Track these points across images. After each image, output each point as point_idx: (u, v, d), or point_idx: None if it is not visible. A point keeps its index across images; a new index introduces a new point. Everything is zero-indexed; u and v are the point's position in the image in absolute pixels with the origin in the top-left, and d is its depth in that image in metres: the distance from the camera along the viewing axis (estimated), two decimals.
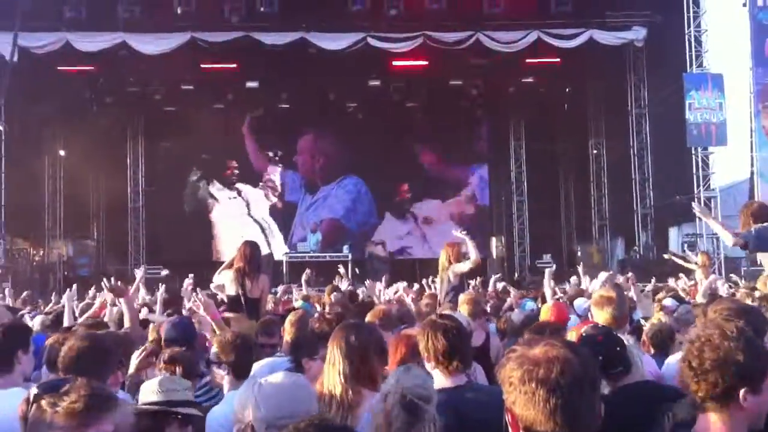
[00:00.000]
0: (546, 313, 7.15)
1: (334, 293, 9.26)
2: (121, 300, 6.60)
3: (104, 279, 7.02)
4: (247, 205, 27.34)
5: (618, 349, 3.83)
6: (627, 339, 4.93)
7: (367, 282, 11.71)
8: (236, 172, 27.21)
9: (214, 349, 4.75)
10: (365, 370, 3.57)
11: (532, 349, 2.05)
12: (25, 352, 4.14)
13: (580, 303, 9.27)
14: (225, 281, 7.94)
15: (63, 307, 9.93)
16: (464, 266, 8.71)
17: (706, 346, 2.41)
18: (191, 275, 12.03)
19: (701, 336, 2.44)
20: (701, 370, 2.39)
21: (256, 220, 26.98)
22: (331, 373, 3.56)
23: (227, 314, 7.58)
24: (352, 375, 3.53)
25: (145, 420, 3.42)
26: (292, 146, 27.10)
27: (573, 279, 13.74)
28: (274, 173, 27.30)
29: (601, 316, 4.80)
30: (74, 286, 9.51)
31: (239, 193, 27.30)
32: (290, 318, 5.76)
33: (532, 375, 1.99)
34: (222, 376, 4.48)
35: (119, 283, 6.98)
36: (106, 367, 3.62)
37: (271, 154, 27.05)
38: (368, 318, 6.34)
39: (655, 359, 5.30)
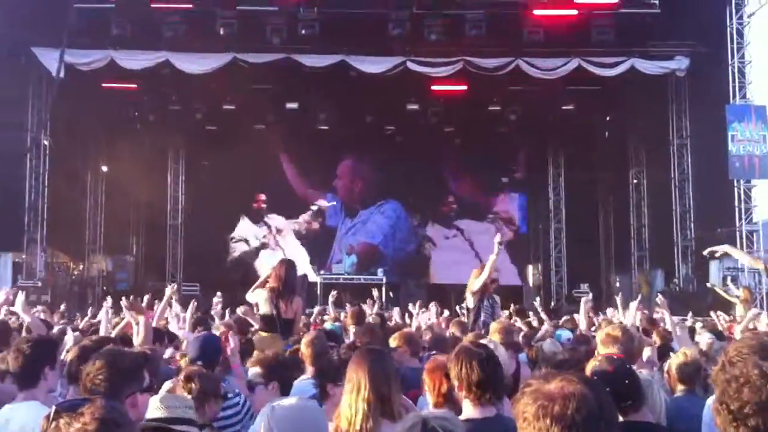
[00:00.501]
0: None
1: (358, 317, 9.16)
2: (140, 318, 6.60)
3: (123, 298, 7.04)
4: (279, 230, 27.56)
5: (627, 382, 3.72)
6: (653, 375, 4.82)
7: (395, 309, 11.56)
8: (264, 205, 27.57)
9: (252, 371, 4.72)
10: (388, 400, 3.49)
11: (547, 384, 2.00)
12: (51, 367, 4.15)
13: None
14: (259, 300, 7.91)
15: (99, 321, 10.08)
16: (476, 284, 8.56)
17: (745, 387, 2.20)
18: (219, 293, 12.07)
19: (739, 376, 2.24)
20: (741, 414, 2.17)
21: (293, 244, 27.15)
22: (354, 401, 3.46)
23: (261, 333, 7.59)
24: (376, 404, 3.45)
25: None
26: (331, 169, 27.30)
27: (609, 311, 13.52)
28: (314, 197, 27.51)
29: (607, 353, 4.69)
30: (108, 298, 9.62)
31: (269, 227, 27.55)
32: (305, 340, 5.71)
33: (547, 411, 1.92)
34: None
35: (139, 300, 7.01)
36: (121, 386, 3.55)
37: (310, 179, 27.35)
38: (393, 342, 6.30)
39: (683, 396, 5.11)
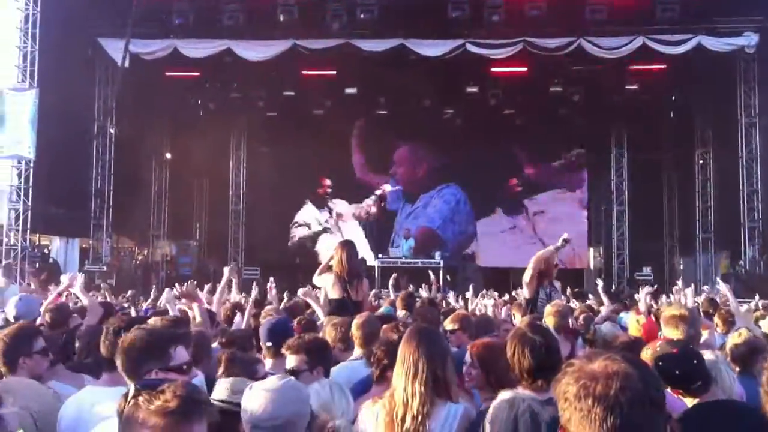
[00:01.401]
0: (635, 329, 6.91)
1: (407, 302, 9.09)
2: (194, 305, 6.67)
3: (175, 286, 7.12)
4: (339, 215, 27.73)
5: (695, 362, 3.66)
6: (716, 355, 4.71)
7: (450, 293, 11.40)
8: (329, 190, 27.73)
9: (291, 357, 4.72)
10: (444, 381, 3.45)
11: (590, 364, 1.92)
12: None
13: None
14: (326, 284, 7.92)
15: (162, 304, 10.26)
16: (526, 276, 8.41)
17: None
18: (272, 279, 12.17)
19: None
20: None
21: (353, 228, 27.29)
22: (409, 383, 3.40)
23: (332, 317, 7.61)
24: (433, 386, 3.41)
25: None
26: (390, 154, 27.33)
27: (664, 298, 13.25)
28: (376, 182, 27.62)
29: (675, 334, 4.60)
30: (176, 287, 9.77)
31: (330, 211, 27.74)
32: (356, 321, 5.69)
33: (589, 391, 1.86)
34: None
35: (194, 283, 7.08)
36: (141, 362, 3.51)
37: (371, 164, 27.47)
38: (449, 325, 6.27)
39: (739, 379, 5.00)
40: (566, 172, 27.24)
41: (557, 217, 26.39)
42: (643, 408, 1.84)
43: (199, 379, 3.99)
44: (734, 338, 5.37)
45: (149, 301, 12.37)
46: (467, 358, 4.15)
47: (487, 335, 5.93)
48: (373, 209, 27.66)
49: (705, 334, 6.41)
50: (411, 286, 14.68)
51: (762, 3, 18.64)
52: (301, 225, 27.99)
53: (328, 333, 5.73)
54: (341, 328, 5.74)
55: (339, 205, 27.90)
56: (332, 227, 27.72)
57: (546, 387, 3.59)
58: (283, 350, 4.54)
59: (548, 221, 26.44)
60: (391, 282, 12.43)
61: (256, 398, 3.05)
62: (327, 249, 25.99)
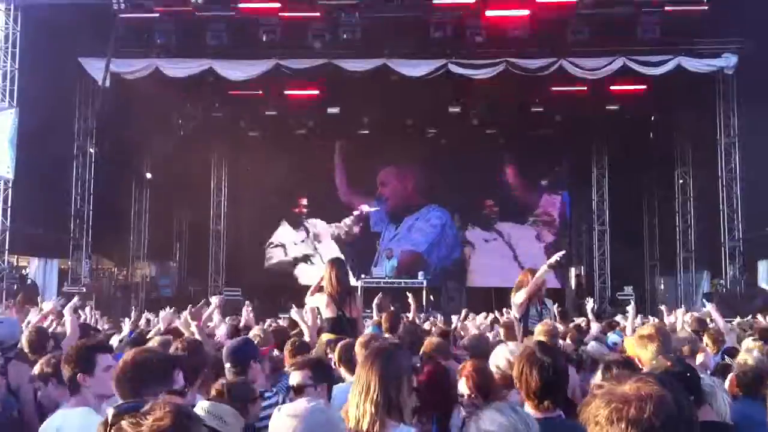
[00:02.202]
0: (631, 349, 6.88)
1: (392, 322, 9.04)
2: (193, 324, 6.61)
3: (189, 307, 7.04)
4: (317, 235, 27.63)
5: (689, 375, 3.63)
6: (713, 380, 4.68)
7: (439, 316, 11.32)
8: (305, 210, 27.68)
9: (296, 373, 4.67)
10: (397, 402, 3.37)
11: (621, 386, 1.87)
12: (88, 374, 4.09)
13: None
14: (320, 305, 7.87)
15: (147, 325, 10.11)
16: (518, 298, 8.41)
17: None
18: (247, 302, 12.08)
19: None
20: None
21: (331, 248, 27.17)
22: (362, 401, 3.35)
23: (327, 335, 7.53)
24: (384, 405, 3.33)
25: None
26: (373, 174, 27.32)
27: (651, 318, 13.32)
28: (358, 203, 27.57)
29: (645, 354, 4.57)
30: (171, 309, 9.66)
31: (307, 231, 27.62)
32: (360, 341, 5.65)
33: (622, 414, 1.80)
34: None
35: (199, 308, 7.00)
36: (144, 384, 3.53)
37: (352, 184, 27.50)
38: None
39: (743, 403, 4.93)
40: (543, 193, 27.35)
41: (532, 238, 26.59)
42: (677, 430, 1.80)
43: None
44: (741, 362, 5.37)
45: (131, 323, 12.18)
46: (463, 388, 4.09)
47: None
48: (355, 229, 27.58)
49: (701, 357, 6.40)
50: (392, 307, 14.58)
51: (741, 25, 18.84)
52: (276, 246, 27.82)
53: (332, 352, 5.68)
54: (343, 348, 5.69)
55: (315, 224, 27.77)
56: (309, 247, 27.55)
57: (552, 408, 3.55)
58: (288, 368, 4.49)
59: (527, 241, 26.57)
60: (375, 302, 12.34)
61: (283, 424, 2.97)
62: (306, 272, 25.98)
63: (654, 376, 1.94)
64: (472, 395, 4.05)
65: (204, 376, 4.89)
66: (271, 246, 27.83)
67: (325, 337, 7.34)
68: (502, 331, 8.78)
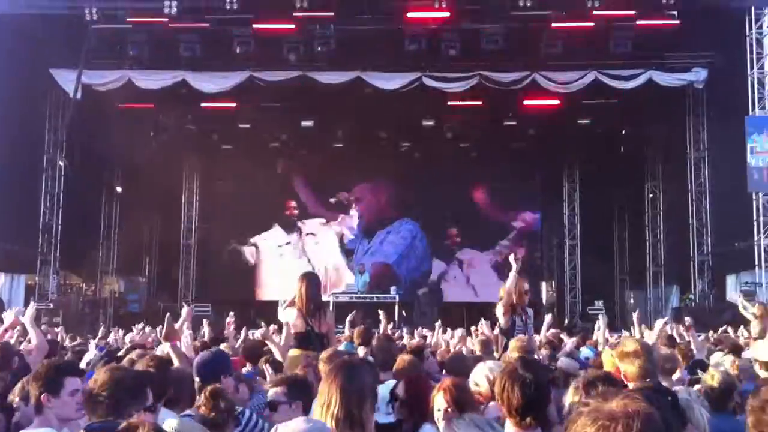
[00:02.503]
0: (609, 364, 6.88)
1: (364, 337, 8.98)
2: (167, 345, 6.47)
3: (168, 315, 6.87)
4: (312, 234, 27.54)
5: (670, 398, 3.62)
6: (689, 392, 4.69)
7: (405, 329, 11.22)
8: (296, 212, 27.52)
9: (272, 390, 4.62)
10: (358, 419, 3.31)
11: (607, 403, 1.84)
12: (54, 395, 3.98)
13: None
14: (290, 318, 7.78)
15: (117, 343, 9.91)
16: (500, 310, 8.32)
17: None
18: (231, 313, 11.92)
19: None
20: None
21: (310, 262, 26.98)
22: (323, 416, 3.30)
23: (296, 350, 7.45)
24: (345, 420, 3.28)
25: None
26: (346, 188, 27.26)
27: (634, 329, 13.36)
28: (332, 218, 27.49)
29: (631, 370, 4.57)
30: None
31: (300, 232, 27.47)
32: (323, 356, 5.65)
33: (609, 431, 1.77)
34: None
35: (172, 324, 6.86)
36: (125, 403, 3.48)
37: (330, 200, 27.42)
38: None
39: (718, 418, 4.88)
40: (516, 207, 27.52)
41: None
42: None
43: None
44: (707, 381, 5.41)
45: (97, 338, 11.97)
46: (440, 402, 4.05)
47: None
48: (339, 233, 27.59)
49: (678, 373, 6.43)
50: (363, 323, 14.52)
51: (711, 39, 19.18)
52: (251, 258, 27.57)
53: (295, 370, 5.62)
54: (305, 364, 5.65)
55: (310, 224, 27.60)
56: (298, 250, 27.32)
57: (534, 424, 3.51)
58: (265, 385, 4.44)
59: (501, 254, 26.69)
60: (349, 318, 12.23)
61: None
62: (275, 286, 25.75)
63: (641, 393, 1.95)
64: (449, 409, 4.00)
65: (175, 393, 4.84)
66: (246, 257, 27.55)
67: (294, 352, 7.27)
68: (478, 347, 8.72)
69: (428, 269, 27.26)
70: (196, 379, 5.07)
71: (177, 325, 7.85)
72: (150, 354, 6.01)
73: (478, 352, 8.33)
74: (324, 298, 21.48)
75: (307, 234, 27.59)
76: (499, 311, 8.27)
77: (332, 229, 27.61)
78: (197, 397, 4.72)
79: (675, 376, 6.21)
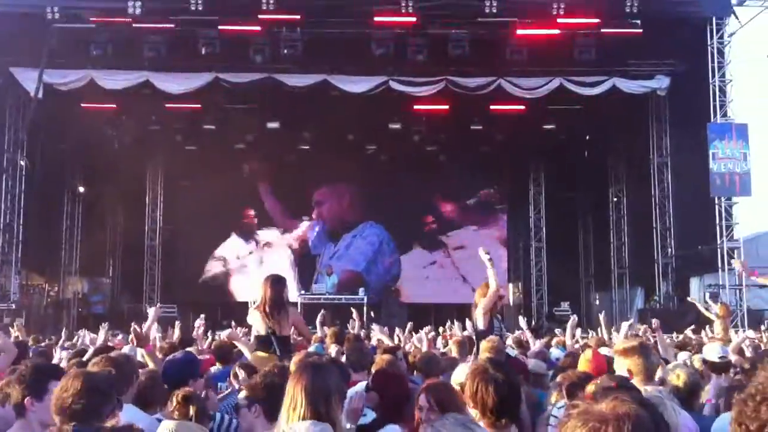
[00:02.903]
0: (584, 364, 6.93)
1: (338, 337, 8.99)
2: (142, 350, 6.41)
3: (133, 325, 6.81)
4: (268, 244, 27.42)
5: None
6: (661, 391, 4.73)
7: (375, 326, 11.12)
8: (255, 221, 27.40)
9: (242, 393, 4.60)
10: (327, 417, 3.34)
11: (597, 405, 1.84)
12: (37, 399, 3.91)
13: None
14: (254, 321, 7.76)
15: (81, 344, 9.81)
16: (485, 303, 8.31)
17: (763, 405, 2.00)
18: (202, 315, 11.82)
19: (755, 394, 2.04)
20: None
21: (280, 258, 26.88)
22: (291, 417, 3.33)
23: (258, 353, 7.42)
24: (312, 419, 3.31)
25: None
26: (312, 191, 27.17)
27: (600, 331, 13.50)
28: (296, 223, 27.40)
29: (626, 366, 4.59)
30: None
31: (257, 243, 27.34)
32: (295, 359, 5.54)
33: None
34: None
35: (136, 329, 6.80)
36: (100, 406, 3.48)
37: (291, 204, 27.35)
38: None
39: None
40: (482, 210, 27.60)
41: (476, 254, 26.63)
42: None
43: None
44: (674, 380, 5.46)
45: (62, 341, 11.83)
46: (422, 401, 4.05)
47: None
48: (295, 245, 27.42)
49: (659, 371, 6.49)
50: (334, 324, 14.49)
51: (673, 48, 19.40)
52: (217, 259, 27.40)
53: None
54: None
55: (268, 234, 27.48)
56: (254, 261, 27.20)
57: (508, 424, 3.51)
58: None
59: (469, 257, 26.66)
60: (318, 319, 12.22)
61: None
62: (244, 287, 25.60)
63: (631, 395, 1.93)
64: (431, 408, 3.99)
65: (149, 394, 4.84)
66: (213, 259, 27.37)
67: (255, 355, 7.26)
68: (454, 348, 8.72)
69: (397, 272, 27.25)
70: (165, 384, 5.06)
71: (144, 327, 7.80)
72: (104, 356, 5.98)
73: (454, 354, 8.32)
74: (293, 298, 21.72)
75: (264, 244, 27.47)
76: (479, 312, 8.24)
77: (287, 241, 27.51)
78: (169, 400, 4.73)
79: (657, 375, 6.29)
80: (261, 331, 7.57)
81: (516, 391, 3.64)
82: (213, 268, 27.36)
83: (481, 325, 8.04)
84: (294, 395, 3.36)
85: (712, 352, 6.77)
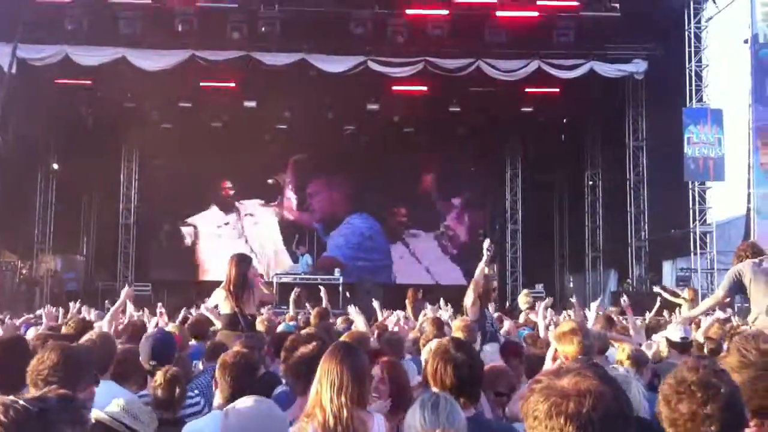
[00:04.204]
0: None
1: (322, 317, 9.04)
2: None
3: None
4: (241, 228, 27.34)
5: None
6: (627, 370, 4.81)
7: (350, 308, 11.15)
8: (231, 192, 27.20)
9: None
10: (365, 394, 3.49)
11: (559, 380, 1.86)
12: None
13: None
14: (219, 300, 7.79)
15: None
16: (469, 296, 8.34)
17: (683, 399, 2.21)
18: (160, 303, 11.65)
19: (680, 383, 2.24)
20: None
21: (248, 243, 26.79)
22: (336, 396, 3.40)
23: (225, 331, 7.45)
24: (357, 398, 3.43)
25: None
26: (285, 172, 27.09)
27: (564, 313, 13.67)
28: (271, 200, 27.36)
29: (570, 349, 4.65)
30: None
31: (238, 213, 27.25)
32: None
33: (561, 409, 1.79)
34: None
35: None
36: (77, 379, 3.53)
37: (268, 181, 27.30)
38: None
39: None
40: (460, 191, 27.77)
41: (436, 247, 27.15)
42: (615, 425, 1.80)
43: None
44: (619, 354, 5.59)
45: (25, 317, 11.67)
46: (377, 373, 4.12)
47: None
48: (287, 214, 27.45)
49: (612, 352, 6.59)
50: (309, 302, 14.56)
51: (651, 32, 19.50)
52: (189, 238, 27.29)
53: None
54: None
55: (249, 206, 27.38)
56: (237, 231, 27.12)
57: (468, 405, 3.55)
58: None
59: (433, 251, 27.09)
60: (292, 296, 12.23)
61: (233, 425, 3.05)
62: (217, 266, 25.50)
63: (593, 371, 1.93)
64: (382, 379, 4.10)
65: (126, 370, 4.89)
66: (185, 238, 27.25)
67: (222, 333, 7.29)
68: (428, 328, 8.75)
69: (378, 257, 27.36)
70: (153, 362, 5.12)
71: (114, 307, 7.77)
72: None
73: (429, 335, 8.36)
74: (267, 279, 21.66)
75: (246, 215, 27.36)
76: (468, 301, 8.27)
77: (271, 210, 27.43)
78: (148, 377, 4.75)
79: (607, 354, 6.41)
80: (227, 310, 7.62)
81: (476, 372, 3.67)
82: (186, 248, 27.25)
83: (470, 315, 8.10)
84: (339, 375, 3.44)
85: (674, 332, 6.91)
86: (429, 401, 3.04)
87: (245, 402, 3.10)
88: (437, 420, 2.97)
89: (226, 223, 27.22)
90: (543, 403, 1.82)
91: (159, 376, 4.53)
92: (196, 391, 5.10)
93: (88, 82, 21.28)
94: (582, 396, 1.80)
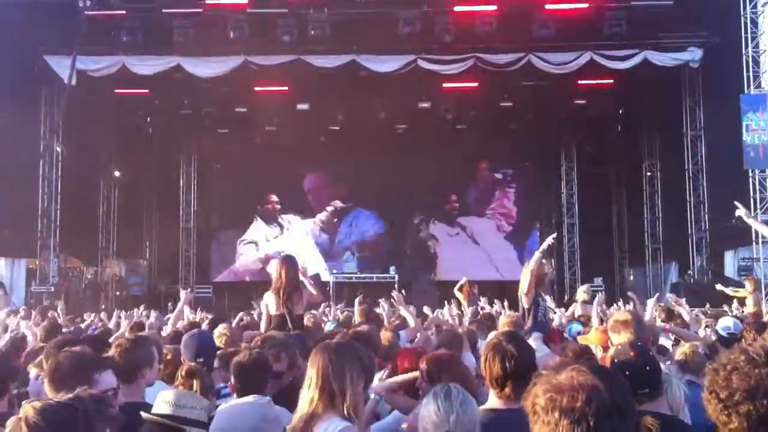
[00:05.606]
0: (596, 339, 7.00)
1: (367, 315, 9.10)
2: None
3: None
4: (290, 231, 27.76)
5: (648, 368, 3.67)
6: (668, 368, 4.76)
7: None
8: (278, 206, 27.73)
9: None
10: (340, 395, 3.42)
11: (557, 375, 1.90)
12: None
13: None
14: (269, 302, 7.90)
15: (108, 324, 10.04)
16: (523, 285, 8.36)
17: (733, 375, 2.05)
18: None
19: (726, 363, 2.08)
20: (731, 402, 2.02)
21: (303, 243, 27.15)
22: (305, 392, 3.46)
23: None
24: (323, 400, 3.41)
25: (155, 430, 3.46)
26: (342, 169, 27.28)
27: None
28: (329, 198, 27.73)
29: (624, 339, 4.63)
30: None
31: (281, 227, 27.65)
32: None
33: (556, 404, 1.83)
34: None
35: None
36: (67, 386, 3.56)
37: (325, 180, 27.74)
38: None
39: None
40: (516, 186, 27.62)
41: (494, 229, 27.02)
42: (610, 419, 1.82)
43: None
44: (684, 349, 5.52)
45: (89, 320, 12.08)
46: (423, 367, 4.20)
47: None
48: (332, 223, 27.69)
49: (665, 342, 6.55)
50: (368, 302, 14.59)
51: (705, 19, 19.09)
52: (249, 242, 27.71)
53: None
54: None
55: (290, 220, 27.74)
56: (280, 244, 27.49)
57: (513, 396, 3.59)
58: None
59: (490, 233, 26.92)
60: (357, 300, 12.29)
61: (220, 412, 3.18)
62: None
63: (591, 366, 1.96)
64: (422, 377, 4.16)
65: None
66: (243, 243, 27.70)
67: (270, 334, 7.40)
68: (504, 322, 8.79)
69: (417, 245, 27.51)
70: (200, 359, 5.14)
71: (176, 311, 8.00)
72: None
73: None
74: (325, 277, 21.88)
75: (288, 229, 27.87)
76: (521, 292, 8.39)
77: (306, 225, 27.89)
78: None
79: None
80: (275, 311, 7.72)
81: (524, 365, 3.70)
82: (247, 249, 27.69)
83: (525, 304, 8.16)
84: (310, 374, 3.48)
85: (722, 326, 6.82)
86: (441, 391, 3.11)
87: (240, 401, 3.18)
88: (451, 407, 3.03)
89: (276, 237, 27.71)
90: (541, 397, 1.88)
91: (178, 373, 4.61)
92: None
93: (146, 91, 21.79)
94: (575, 391, 1.84)
